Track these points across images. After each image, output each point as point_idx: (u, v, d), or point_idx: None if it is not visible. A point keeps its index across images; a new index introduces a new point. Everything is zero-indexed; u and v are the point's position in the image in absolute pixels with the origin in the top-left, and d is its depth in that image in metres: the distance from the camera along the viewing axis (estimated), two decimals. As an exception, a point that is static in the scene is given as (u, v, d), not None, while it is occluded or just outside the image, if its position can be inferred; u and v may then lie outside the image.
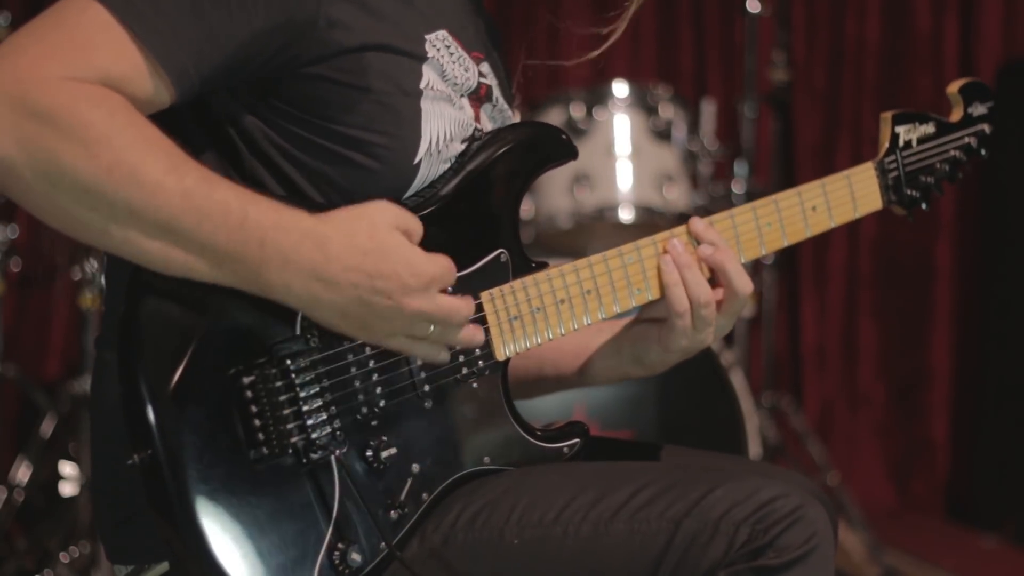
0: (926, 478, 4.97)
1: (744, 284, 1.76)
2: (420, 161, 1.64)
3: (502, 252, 1.71)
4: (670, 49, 5.04)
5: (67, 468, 3.89)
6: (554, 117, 3.79)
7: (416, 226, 1.55)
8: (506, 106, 1.84)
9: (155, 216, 1.40)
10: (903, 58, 4.99)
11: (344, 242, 1.48)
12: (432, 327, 1.54)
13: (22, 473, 3.82)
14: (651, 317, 1.81)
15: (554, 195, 3.79)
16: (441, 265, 1.54)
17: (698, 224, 1.77)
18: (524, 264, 1.73)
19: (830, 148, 5.03)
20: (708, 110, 4.01)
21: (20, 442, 4.03)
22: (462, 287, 1.67)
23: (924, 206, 1.97)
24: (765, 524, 1.52)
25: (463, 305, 1.56)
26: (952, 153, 1.97)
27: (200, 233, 1.42)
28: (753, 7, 4.09)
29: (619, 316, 1.80)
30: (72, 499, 3.80)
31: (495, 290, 1.70)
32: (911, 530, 4.66)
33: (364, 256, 1.48)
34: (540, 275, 1.73)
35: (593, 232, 3.81)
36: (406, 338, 1.55)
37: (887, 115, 1.94)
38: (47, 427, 3.86)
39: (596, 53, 1.83)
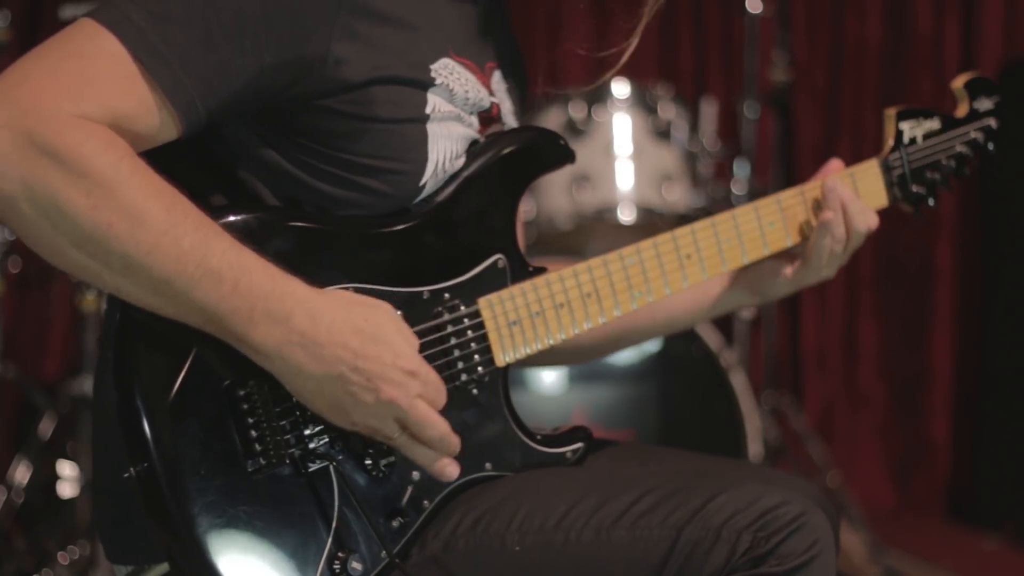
0: (927, 478, 4.96)
1: (868, 219, 1.88)
2: (426, 182, 1.63)
3: (500, 258, 1.71)
4: (670, 49, 5.03)
5: (66, 468, 3.87)
6: (554, 117, 3.77)
7: (412, 338, 1.54)
8: (513, 122, 1.83)
9: (148, 274, 1.40)
10: (904, 58, 4.98)
11: (337, 316, 1.47)
12: (398, 432, 1.52)
13: (21, 473, 3.80)
14: (785, 255, 1.90)
15: (554, 196, 3.78)
16: (429, 368, 1.53)
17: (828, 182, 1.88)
18: (522, 269, 1.72)
19: (831, 149, 5.01)
20: (708, 110, 3.99)
21: (19, 442, 4.01)
22: (460, 294, 1.66)
23: (931, 202, 1.96)
24: (767, 532, 1.52)
25: (440, 423, 1.53)
26: (958, 149, 1.95)
27: (191, 296, 1.42)
28: (753, 7, 4.08)
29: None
30: (71, 500, 3.79)
31: (493, 296, 1.69)
32: (912, 530, 4.65)
33: (354, 334, 1.48)
34: (539, 280, 1.72)
35: (593, 233, 3.80)
36: (370, 432, 1.53)
37: (891, 111, 1.92)
38: (46, 427, 3.85)
39: (614, 72, 1.83)
